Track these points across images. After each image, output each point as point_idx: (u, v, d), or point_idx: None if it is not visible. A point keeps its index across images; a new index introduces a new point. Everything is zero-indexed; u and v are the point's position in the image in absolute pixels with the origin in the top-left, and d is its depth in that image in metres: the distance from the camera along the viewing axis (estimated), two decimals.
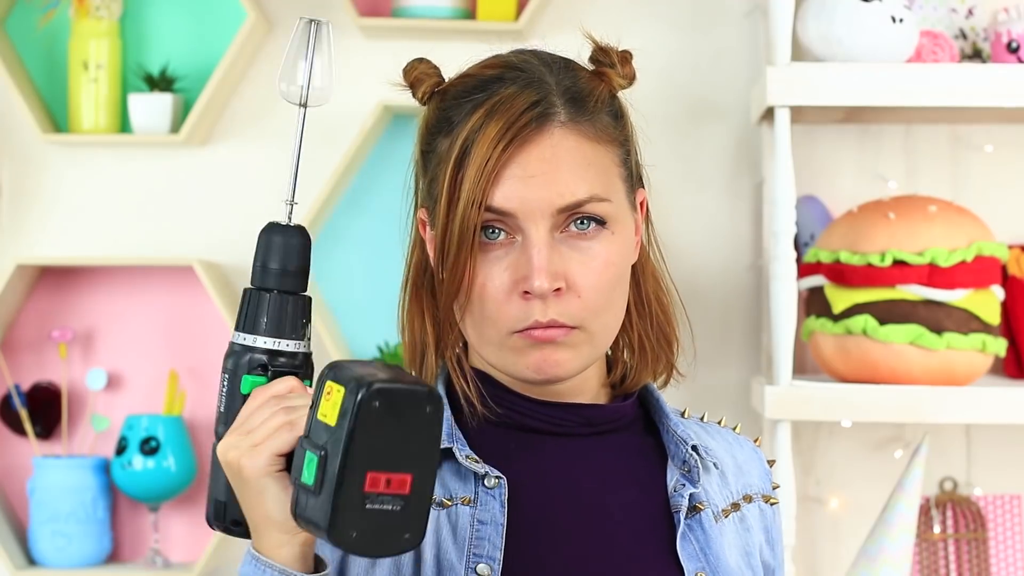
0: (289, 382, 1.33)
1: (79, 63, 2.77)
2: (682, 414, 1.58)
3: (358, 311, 2.83)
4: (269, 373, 1.34)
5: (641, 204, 1.54)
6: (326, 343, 2.74)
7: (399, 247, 1.74)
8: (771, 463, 1.64)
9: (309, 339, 1.35)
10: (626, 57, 1.55)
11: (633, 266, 1.52)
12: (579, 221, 1.44)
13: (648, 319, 1.57)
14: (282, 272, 1.34)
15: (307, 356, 1.36)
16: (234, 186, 2.84)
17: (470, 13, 2.76)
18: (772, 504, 1.60)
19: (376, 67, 2.79)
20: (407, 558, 1.42)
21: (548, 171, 1.43)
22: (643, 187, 1.55)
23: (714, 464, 1.55)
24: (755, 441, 1.64)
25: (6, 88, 2.78)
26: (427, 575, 1.41)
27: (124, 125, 2.82)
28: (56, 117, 2.84)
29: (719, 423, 1.63)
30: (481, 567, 1.41)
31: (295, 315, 1.34)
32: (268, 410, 1.32)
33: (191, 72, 2.82)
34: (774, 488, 1.62)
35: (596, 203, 1.44)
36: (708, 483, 1.54)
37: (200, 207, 2.84)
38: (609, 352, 1.54)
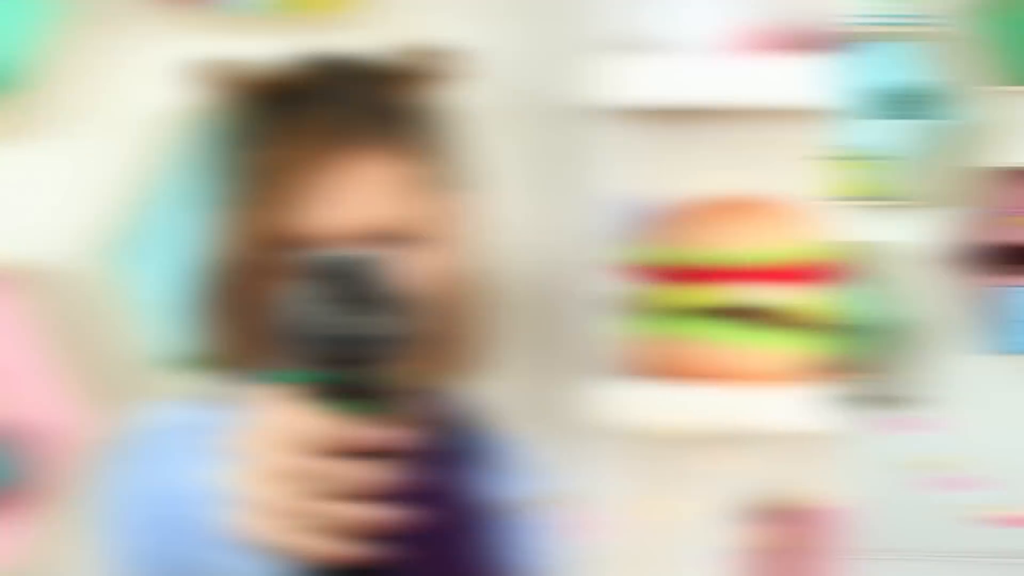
0: None
1: None
2: None
3: None
4: None
5: (455, 207, 1.54)
6: None
7: None
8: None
9: None
10: (440, 56, 1.54)
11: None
12: (385, 240, 1.45)
13: (443, 321, 1.58)
14: None
15: None
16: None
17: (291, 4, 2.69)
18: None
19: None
20: None
21: (354, 193, 1.44)
22: (460, 189, 1.55)
23: None
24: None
25: None
26: None
27: None
28: None
29: None
30: None
31: None
32: None
33: None
34: None
35: (400, 222, 1.46)
36: None
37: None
38: None
